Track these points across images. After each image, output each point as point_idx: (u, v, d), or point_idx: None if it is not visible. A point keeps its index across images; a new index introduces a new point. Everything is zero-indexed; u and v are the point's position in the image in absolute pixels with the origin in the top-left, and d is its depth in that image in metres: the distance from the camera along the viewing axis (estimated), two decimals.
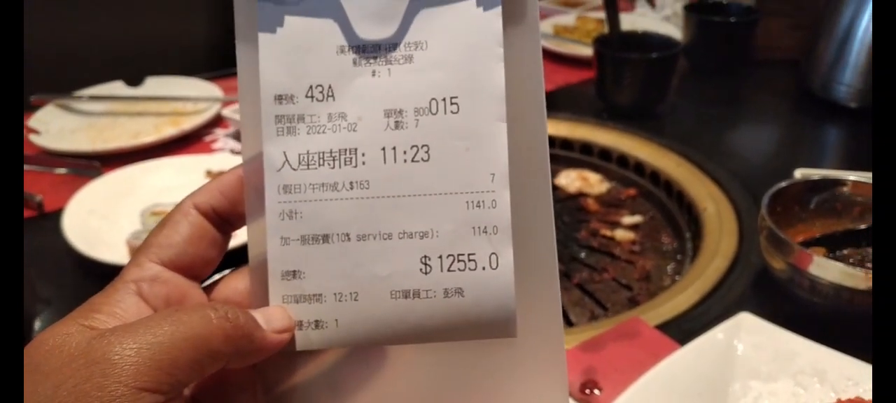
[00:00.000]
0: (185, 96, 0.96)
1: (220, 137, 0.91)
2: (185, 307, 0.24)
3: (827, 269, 0.54)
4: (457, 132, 0.26)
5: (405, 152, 0.26)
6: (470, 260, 0.26)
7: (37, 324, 0.60)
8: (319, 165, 0.26)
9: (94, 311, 0.24)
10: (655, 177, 0.84)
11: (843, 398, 0.49)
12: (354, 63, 0.26)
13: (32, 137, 0.87)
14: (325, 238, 0.26)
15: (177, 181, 0.77)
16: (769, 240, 0.58)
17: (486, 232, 0.26)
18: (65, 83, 0.99)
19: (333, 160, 0.26)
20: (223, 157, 0.83)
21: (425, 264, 0.26)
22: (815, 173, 0.74)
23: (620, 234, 0.77)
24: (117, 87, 1.01)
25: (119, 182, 0.77)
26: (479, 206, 0.26)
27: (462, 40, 0.26)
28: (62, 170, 0.83)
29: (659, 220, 0.80)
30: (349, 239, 0.26)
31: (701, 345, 0.52)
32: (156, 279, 0.26)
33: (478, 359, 0.28)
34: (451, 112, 0.26)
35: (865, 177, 0.70)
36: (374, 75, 0.26)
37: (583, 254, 0.74)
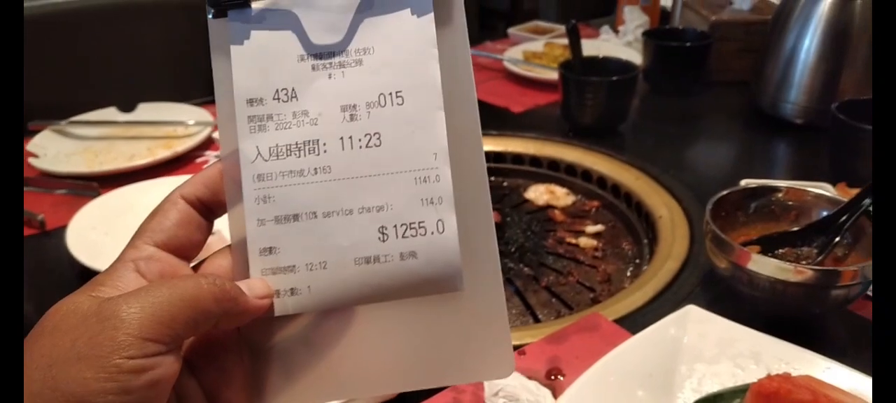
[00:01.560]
0: (177, 120, 1.02)
1: (212, 159, 0.96)
2: (179, 275, 0.29)
3: (763, 265, 0.61)
4: (403, 120, 0.30)
5: (360, 140, 0.30)
6: (420, 228, 0.30)
7: None
8: (287, 156, 0.30)
9: (99, 285, 0.28)
10: (616, 189, 0.91)
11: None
12: (313, 68, 0.31)
13: (32, 161, 0.92)
14: (296, 217, 0.30)
15: None
16: (713, 242, 0.64)
17: (432, 202, 0.30)
18: (58, 110, 1.04)
19: (299, 151, 0.30)
20: None
21: (382, 233, 0.30)
22: (757, 182, 0.81)
23: (584, 241, 0.83)
24: (110, 113, 1.06)
25: (117, 200, 0.82)
26: (426, 181, 0.30)
27: (402, 44, 0.31)
28: (62, 191, 0.87)
29: (619, 229, 0.87)
30: (316, 216, 0.30)
31: (651, 334, 0.58)
32: (151, 258, 0.29)
33: (431, 311, 0.32)
34: (397, 104, 0.30)
35: (799, 184, 0.77)
36: (330, 77, 0.31)
37: (550, 260, 0.81)
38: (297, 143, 0.30)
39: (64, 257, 0.71)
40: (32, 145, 0.97)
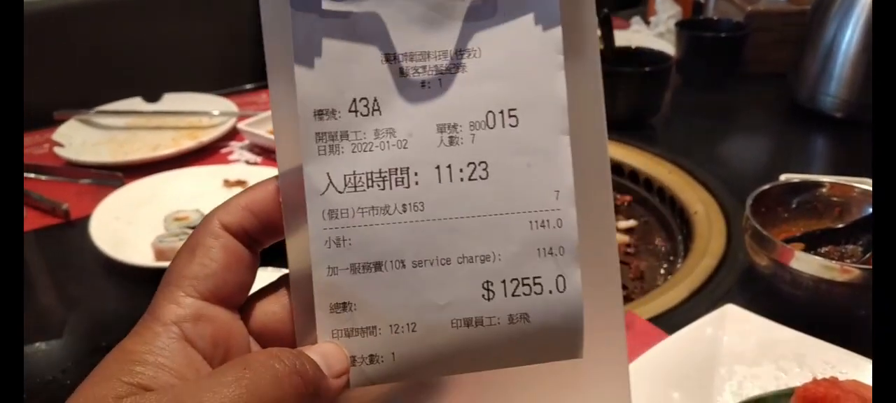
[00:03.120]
0: (202, 111, 1.01)
1: (236, 149, 0.95)
2: (248, 362, 0.22)
3: (807, 263, 0.58)
4: (517, 147, 0.24)
5: (461, 170, 0.24)
6: (535, 284, 0.24)
7: (65, 329, 0.64)
8: (368, 187, 0.24)
9: (136, 363, 0.22)
10: (649, 183, 0.88)
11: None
12: (401, 73, 0.24)
13: (57, 150, 0.92)
14: (378, 266, 0.24)
15: (196, 189, 0.82)
16: (753, 239, 0.62)
17: (551, 253, 0.24)
18: (84, 100, 1.04)
19: (383, 180, 0.24)
20: (240, 168, 0.87)
21: (487, 290, 0.24)
22: (798, 177, 0.78)
23: (617, 237, 0.81)
24: (136, 103, 1.06)
25: (141, 190, 0.81)
26: (544, 226, 0.24)
27: (518, 48, 0.24)
28: (86, 181, 0.87)
29: (653, 224, 0.85)
30: (404, 266, 0.24)
31: (689, 333, 0.56)
32: (199, 317, 0.23)
33: (540, 382, 0.27)
34: (510, 125, 0.24)
35: (844, 179, 0.74)
36: (423, 86, 0.24)
37: None
38: (380, 171, 0.24)
39: (87, 247, 0.71)
40: (58, 134, 0.97)
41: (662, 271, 0.76)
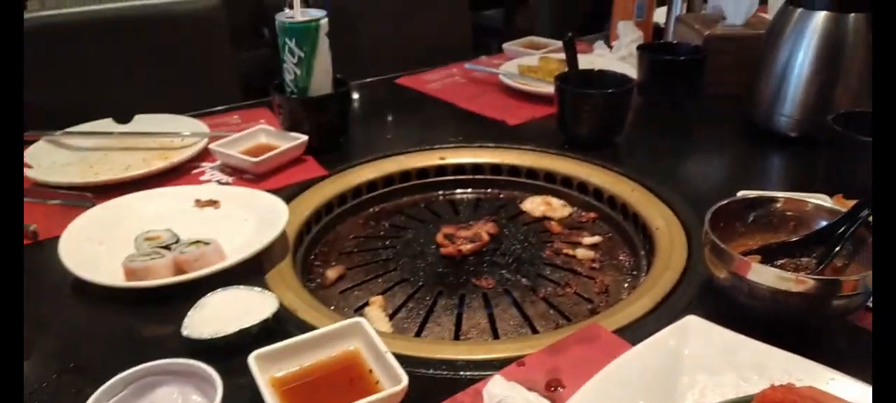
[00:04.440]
0: (173, 132, 1.01)
1: (208, 170, 0.96)
2: None
3: (763, 275, 0.61)
4: None
5: None
6: None
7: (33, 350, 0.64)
8: None
9: None
10: (613, 201, 0.91)
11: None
12: None
13: (26, 171, 0.91)
14: None
15: (168, 209, 0.82)
16: (712, 252, 0.64)
17: None
18: (54, 121, 1.03)
19: None
20: (211, 188, 0.88)
21: None
22: (755, 193, 0.81)
23: (581, 253, 0.83)
24: (106, 124, 1.05)
25: (112, 211, 0.81)
26: None
27: None
28: (55, 202, 0.86)
29: (616, 240, 0.87)
30: None
31: (653, 344, 0.58)
32: None
33: None
34: None
35: (798, 195, 0.77)
36: None
37: (547, 271, 0.80)
38: None
39: (57, 268, 0.70)
40: (27, 155, 0.96)
41: (626, 285, 0.78)
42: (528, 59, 1.36)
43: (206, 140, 1.00)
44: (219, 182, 0.92)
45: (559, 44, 1.46)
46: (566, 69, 1.05)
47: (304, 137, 0.98)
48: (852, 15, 0.97)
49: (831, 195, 0.82)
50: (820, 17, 0.98)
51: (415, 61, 1.44)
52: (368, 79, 1.37)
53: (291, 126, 1.00)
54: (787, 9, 1.03)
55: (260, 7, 2.44)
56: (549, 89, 1.11)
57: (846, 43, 0.98)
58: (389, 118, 1.21)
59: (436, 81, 1.34)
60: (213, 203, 0.84)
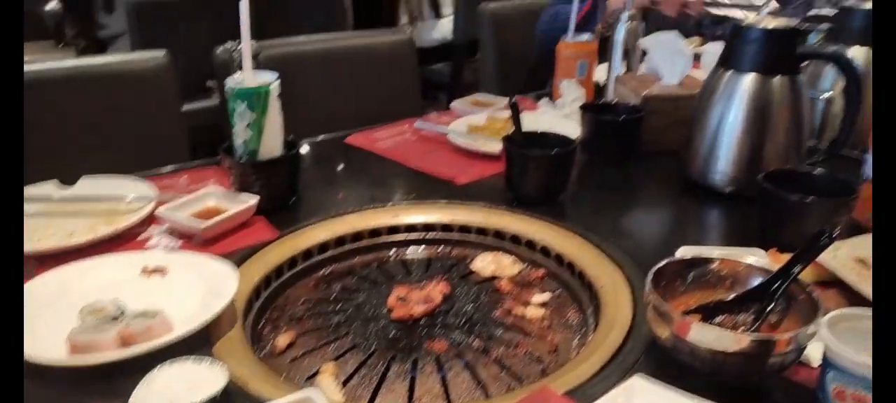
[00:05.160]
0: (119, 195, 1.00)
1: (155, 234, 0.94)
2: None
3: (703, 334, 0.63)
4: None
5: None
6: None
7: None
8: None
9: None
10: (560, 258, 0.93)
11: None
12: None
13: None
14: None
15: (113, 278, 0.80)
16: (654, 312, 0.67)
17: None
18: None
19: None
20: (158, 254, 0.86)
21: None
22: (695, 250, 0.85)
23: (531, 312, 0.85)
24: (50, 188, 1.03)
25: (55, 281, 0.79)
26: None
27: None
28: None
29: (565, 297, 0.90)
30: None
31: None
32: None
33: None
34: None
35: (733, 253, 0.82)
36: None
37: (499, 332, 0.82)
38: None
39: None
40: None
41: (575, 343, 0.80)
42: (476, 117, 1.40)
43: (153, 203, 0.98)
44: (166, 247, 0.91)
45: (506, 101, 1.51)
46: (513, 127, 1.08)
47: (255, 199, 0.98)
48: (777, 77, 1.03)
49: (766, 249, 0.86)
50: (748, 79, 1.05)
51: (365, 118, 1.45)
52: (319, 137, 1.37)
53: (241, 188, 1.00)
54: (718, 71, 1.09)
55: (207, 59, 2.43)
56: (497, 148, 1.14)
57: (772, 102, 1.04)
58: (340, 177, 1.22)
59: (386, 139, 1.36)
60: (160, 270, 0.82)
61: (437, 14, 3.53)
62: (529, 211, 1.02)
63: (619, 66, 1.45)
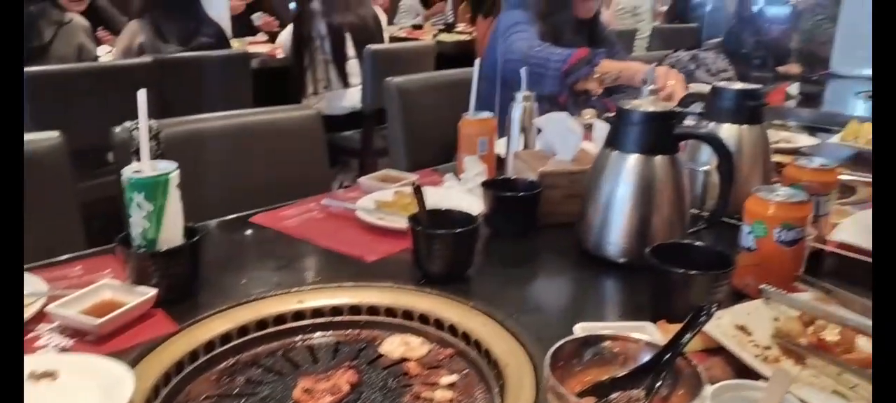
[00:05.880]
0: None
1: (45, 333, 0.90)
2: None
3: None
4: None
5: None
6: None
7: None
8: None
9: None
10: (467, 337, 0.95)
11: None
12: None
13: None
14: None
15: None
16: (553, 394, 0.70)
17: None
18: None
19: None
20: (48, 357, 0.82)
21: None
22: (590, 327, 0.90)
23: (440, 395, 0.86)
24: None
25: None
26: None
27: None
28: None
29: (472, 377, 0.91)
30: None
31: None
32: None
33: None
34: None
35: (626, 326, 0.87)
36: None
37: None
38: None
39: None
40: None
41: None
42: (384, 193, 1.42)
43: (43, 299, 0.94)
44: (57, 347, 0.87)
45: (413, 177, 1.55)
46: (415, 194, 1.11)
47: (153, 292, 0.95)
48: (658, 157, 1.12)
49: (656, 321, 0.92)
50: (632, 159, 1.13)
51: (272, 194, 1.45)
52: (224, 218, 1.35)
53: (139, 280, 0.97)
54: (606, 150, 1.17)
55: (106, 133, 2.35)
56: (405, 224, 1.16)
57: (656, 180, 1.12)
58: (245, 260, 1.20)
59: (293, 218, 1.35)
60: (49, 375, 0.78)
61: (346, 83, 3.57)
62: (438, 289, 1.04)
63: (516, 143, 1.52)
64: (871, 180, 1.57)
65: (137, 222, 0.96)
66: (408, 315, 1.02)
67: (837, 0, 3.61)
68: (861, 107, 2.83)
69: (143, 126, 0.96)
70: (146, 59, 2.85)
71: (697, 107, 1.47)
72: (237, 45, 4.13)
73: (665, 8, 6.12)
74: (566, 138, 1.34)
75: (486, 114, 1.51)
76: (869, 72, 3.38)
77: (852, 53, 3.49)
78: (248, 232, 1.31)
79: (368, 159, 3.61)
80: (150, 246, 0.97)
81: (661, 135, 1.11)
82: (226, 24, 3.95)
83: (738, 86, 1.38)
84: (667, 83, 1.78)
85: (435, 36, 5.01)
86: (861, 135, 1.87)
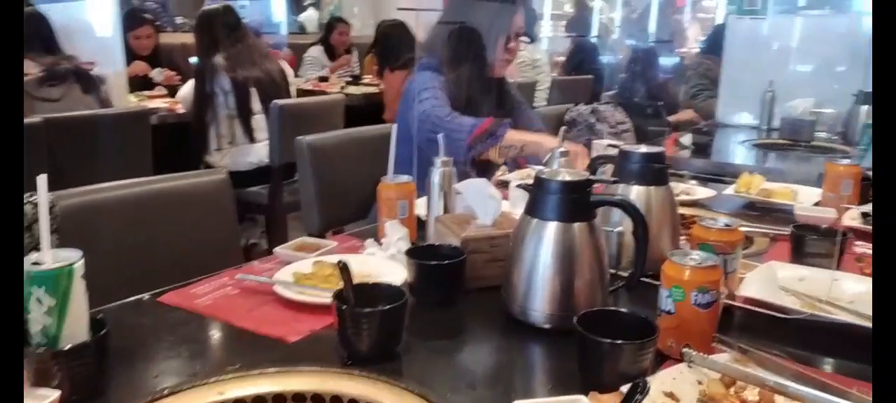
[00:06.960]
0: None
1: None
2: None
3: None
4: None
5: None
6: None
7: None
8: None
9: None
10: None
11: None
12: None
13: None
14: None
15: None
16: None
17: None
18: None
19: None
20: None
21: None
22: None
23: None
24: None
25: None
26: None
27: None
28: None
29: None
30: None
31: None
32: None
33: None
34: None
35: (561, 402, 0.87)
36: None
37: None
38: None
39: None
40: None
41: None
42: (302, 264, 1.38)
43: None
44: None
45: (331, 244, 1.51)
46: (341, 273, 1.08)
47: (56, 394, 0.87)
48: (577, 224, 1.14)
49: (587, 392, 0.93)
50: (552, 226, 1.15)
51: (179, 268, 1.37)
52: (128, 299, 1.26)
53: (39, 382, 0.89)
54: (526, 218, 1.19)
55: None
56: (327, 299, 1.12)
57: (575, 246, 1.15)
58: (156, 349, 1.12)
59: (206, 295, 1.28)
60: None
61: (251, 139, 3.48)
62: (367, 370, 1.01)
63: (437, 208, 1.52)
64: (766, 232, 1.68)
65: (37, 319, 0.88)
66: (337, 400, 0.98)
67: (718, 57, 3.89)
68: (748, 155, 3.05)
69: (43, 213, 0.89)
70: (36, 118, 2.67)
71: (608, 169, 1.53)
72: (135, 100, 3.96)
73: (563, 59, 6.40)
74: (486, 204, 1.35)
75: (404, 178, 1.51)
76: (751, 119, 3.67)
77: (735, 104, 3.77)
78: (158, 314, 1.22)
79: (277, 215, 3.52)
80: (51, 344, 0.89)
81: (578, 203, 1.15)
82: (122, 81, 3.77)
83: (643, 149, 1.44)
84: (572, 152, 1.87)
85: (342, 88, 4.99)
86: (753, 186, 2.00)
